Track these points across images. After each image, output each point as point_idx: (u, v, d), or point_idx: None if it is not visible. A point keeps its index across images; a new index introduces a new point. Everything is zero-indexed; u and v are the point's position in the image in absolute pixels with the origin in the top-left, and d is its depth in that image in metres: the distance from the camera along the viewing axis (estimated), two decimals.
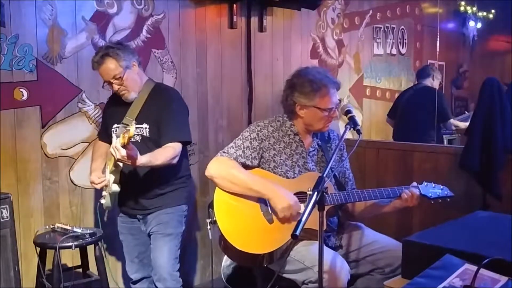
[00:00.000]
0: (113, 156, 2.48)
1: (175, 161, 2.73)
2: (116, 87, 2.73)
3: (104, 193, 2.84)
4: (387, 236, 2.57)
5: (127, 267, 3.03)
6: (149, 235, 2.88)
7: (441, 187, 2.54)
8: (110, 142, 2.93)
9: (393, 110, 5.10)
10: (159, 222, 2.83)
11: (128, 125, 2.65)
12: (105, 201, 2.82)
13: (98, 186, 2.82)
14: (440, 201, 2.52)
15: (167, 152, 2.68)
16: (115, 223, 3.02)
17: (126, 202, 2.88)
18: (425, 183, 2.54)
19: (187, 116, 2.90)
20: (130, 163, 2.52)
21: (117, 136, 2.64)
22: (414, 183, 2.52)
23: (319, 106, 2.46)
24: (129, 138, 2.35)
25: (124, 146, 2.39)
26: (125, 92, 2.76)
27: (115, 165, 2.65)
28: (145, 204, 2.83)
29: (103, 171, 2.88)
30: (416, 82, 5.10)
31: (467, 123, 5.08)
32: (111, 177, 2.71)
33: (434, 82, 4.94)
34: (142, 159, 2.54)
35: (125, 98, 2.78)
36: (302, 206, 2.33)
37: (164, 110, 2.76)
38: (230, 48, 3.99)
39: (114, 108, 2.90)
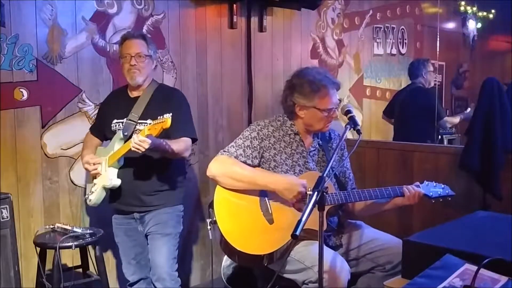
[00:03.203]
0: (139, 149, 2.50)
1: (187, 154, 2.80)
2: (134, 61, 2.79)
3: (93, 188, 2.81)
4: (387, 234, 2.57)
5: (124, 269, 3.01)
6: (146, 236, 2.88)
7: (442, 186, 2.54)
8: (102, 138, 2.98)
9: (389, 109, 5.09)
10: (157, 222, 2.83)
11: (135, 121, 2.75)
12: (94, 196, 2.79)
13: (91, 168, 2.80)
14: (441, 200, 2.52)
15: (180, 143, 2.74)
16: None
17: (124, 199, 2.85)
18: (426, 182, 2.54)
19: (191, 115, 2.95)
20: (153, 148, 2.56)
21: (124, 131, 2.71)
22: (417, 183, 2.52)
23: (319, 107, 2.46)
24: (162, 128, 2.44)
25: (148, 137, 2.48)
26: (136, 72, 2.80)
27: (119, 159, 2.67)
28: (144, 200, 2.82)
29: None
30: (410, 82, 5.05)
31: (459, 117, 5.10)
32: (111, 171, 2.71)
33: (427, 77, 4.81)
34: (158, 140, 2.60)
35: (131, 78, 2.82)
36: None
37: (173, 109, 2.78)
38: (230, 48, 3.99)
39: (115, 104, 2.93)
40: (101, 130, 2.97)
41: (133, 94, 2.88)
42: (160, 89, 2.90)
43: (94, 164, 2.80)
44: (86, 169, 2.87)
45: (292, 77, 2.56)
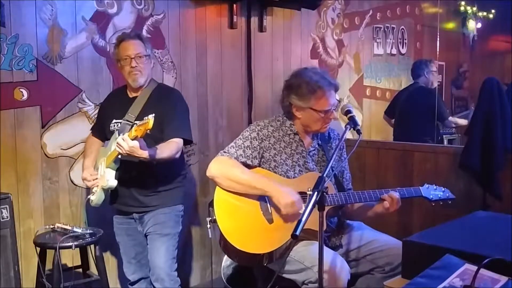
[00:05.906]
0: (119, 150, 2.48)
1: (178, 155, 2.76)
2: (134, 63, 2.76)
3: (94, 189, 2.82)
4: (387, 235, 2.57)
5: (125, 268, 3.02)
6: (145, 236, 2.88)
7: (443, 189, 2.54)
8: (103, 139, 2.96)
9: (391, 109, 5.09)
10: (156, 222, 2.83)
11: (131, 121, 2.72)
12: (95, 197, 2.80)
13: (90, 184, 2.82)
14: (441, 203, 2.52)
15: (171, 147, 2.71)
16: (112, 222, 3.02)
17: (122, 199, 2.86)
18: (427, 185, 2.53)
19: (188, 116, 2.92)
20: (137, 155, 2.51)
21: (120, 131, 2.68)
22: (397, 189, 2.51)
23: (315, 108, 2.46)
24: (146, 130, 2.38)
25: (135, 138, 2.42)
26: (138, 74, 2.78)
27: (115, 160, 2.66)
28: (143, 200, 2.82)
29: (95, 168, 2.88)
30: (412, 81, 5.05)
31: (466, 120, 5.08)
32: (108, 172, 2.71)
33: (429, 77, 4.79)
34: (150, 151, 2.55)
35: (133, 80, 2.79)
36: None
37: (168, 109, 2.79)
38: (230, 48, 3.99)
39: (113, 105, 2.93)
40: (102, 131, 2.96)
41: (132, 94, 2.88)
42: (158, 89, 2.88)
43: (92, 180, 2.80)
44: (85, 183, 2.89)
45: (290, 77, 2.56)
